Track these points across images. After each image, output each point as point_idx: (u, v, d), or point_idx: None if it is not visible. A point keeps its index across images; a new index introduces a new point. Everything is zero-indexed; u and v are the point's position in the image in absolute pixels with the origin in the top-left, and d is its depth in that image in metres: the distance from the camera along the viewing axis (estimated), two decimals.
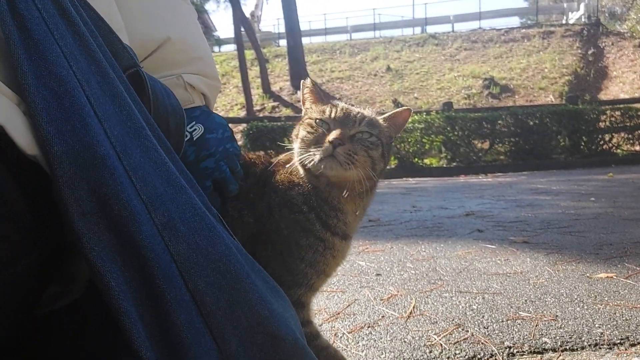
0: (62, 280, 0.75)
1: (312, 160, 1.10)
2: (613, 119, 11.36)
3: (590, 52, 19.86)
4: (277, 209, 1.13)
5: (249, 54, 20.60)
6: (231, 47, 25.40)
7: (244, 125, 12.48)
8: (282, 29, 24.91)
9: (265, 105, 18.87)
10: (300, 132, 1.17)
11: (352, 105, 1.23)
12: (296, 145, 1.17)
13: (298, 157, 1.13)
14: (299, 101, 1.33)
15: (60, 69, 0.64)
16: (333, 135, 1.09)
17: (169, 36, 1.04)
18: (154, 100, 0.84)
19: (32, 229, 0.62)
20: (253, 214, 1.14)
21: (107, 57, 0.74)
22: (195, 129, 1.08)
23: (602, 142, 11.49)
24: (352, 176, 1.10)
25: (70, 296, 0.77)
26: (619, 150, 11.53)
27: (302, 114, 1.27)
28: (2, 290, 0.58)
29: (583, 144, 11.36)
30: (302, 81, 1.29)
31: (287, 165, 1.17)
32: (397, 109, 1.21)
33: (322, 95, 1.26)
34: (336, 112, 1.16)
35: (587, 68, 18.84)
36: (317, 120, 1.16)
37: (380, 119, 1.20)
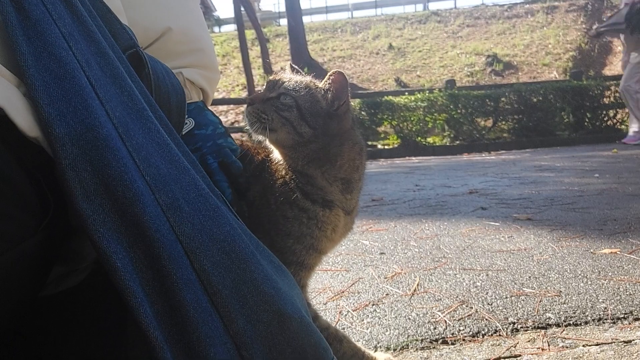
0: (68, 261, 0.76)
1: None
2: (617, 94, 11.24)
3: (594, 27, 19.60)
4: (269, 188, 1.16)
5: (250, 34, 20.36)
6: (231, 27, 25.10)
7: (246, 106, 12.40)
8: (283, 8, 24.62)
9: None
10: None
11: (308, 78, 1.20)
12: None
13: None
14: None
15: (59, 50, 0.63)
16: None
17: (169, 26, 1.03)
18: (155, 80, 0.83)
19: (37, 210, 0.62)
20: (246, 200, 1.16)
21: (107, 38, 0.73)
22: (186, 123, 1.08)
23: (606, 118, 11.39)
24: (277, 139, 1.14)
25: (75, 277, 0.78)
26: (623, 126, 11.41)
27: None
28: (9, 270, 0.58)
29: (587, 120, 11.27)
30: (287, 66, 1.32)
31: None
32: (330, 72, 1.19)
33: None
34: (269, 79, 1.21)
35: (591, 43, 18.58)
36: None
37: (315, 85, 1.19)
